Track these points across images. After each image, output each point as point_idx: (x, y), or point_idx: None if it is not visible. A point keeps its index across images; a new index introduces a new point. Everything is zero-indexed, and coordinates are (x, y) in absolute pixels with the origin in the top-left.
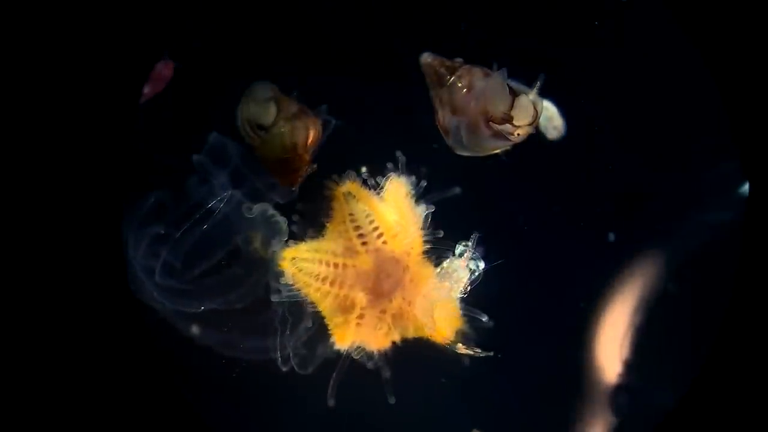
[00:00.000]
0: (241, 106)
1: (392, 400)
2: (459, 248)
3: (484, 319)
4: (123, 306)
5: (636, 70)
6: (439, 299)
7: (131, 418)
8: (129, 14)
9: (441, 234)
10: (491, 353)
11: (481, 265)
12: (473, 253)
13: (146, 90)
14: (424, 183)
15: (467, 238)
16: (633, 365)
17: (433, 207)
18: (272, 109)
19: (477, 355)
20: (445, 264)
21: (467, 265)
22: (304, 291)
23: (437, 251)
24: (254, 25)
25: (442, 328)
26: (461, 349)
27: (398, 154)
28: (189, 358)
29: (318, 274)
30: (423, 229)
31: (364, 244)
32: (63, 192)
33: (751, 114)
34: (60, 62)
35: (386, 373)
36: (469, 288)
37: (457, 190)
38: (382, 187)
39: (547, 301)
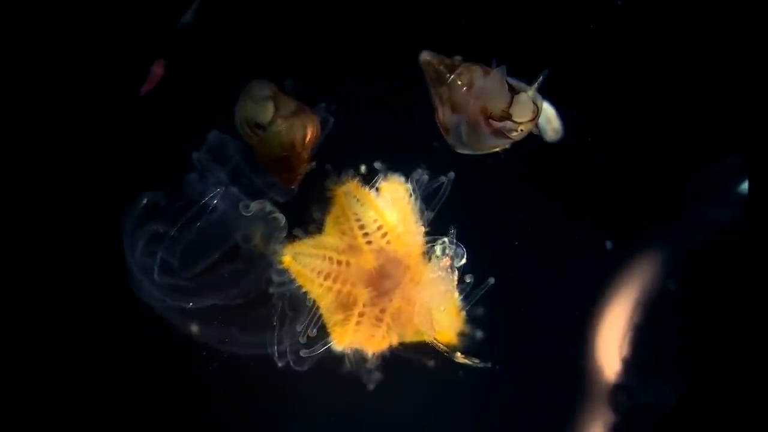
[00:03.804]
0: (239, 104)
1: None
2: (438, 248)
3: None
4: (121, 303)
5: (635, 71)
6: (436, 303)
7: (130, 415)
8: (124, 13)
9: (453, 230)
10: (489, 365)
11: (463, 259)
12: (453, 249)
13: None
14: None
15: (465, 238)
16: (633, 364)
17: (432, 213)
18: (270, 108)
19: (475, 365)
20: (431, 266)
21: (451, 262)
22: (305, 287)
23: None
24: (253, 24)
25: (443, 331)
26: (460, 358)
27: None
28: (187, 355)
29: (321, 270)
30: (423, 229)
31: (368, 243)
32: (61, 191)
33: (752, 112)
34: (56, 63)
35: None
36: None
37: (452, 174)
38: (382, 187)
39: (546, 300)
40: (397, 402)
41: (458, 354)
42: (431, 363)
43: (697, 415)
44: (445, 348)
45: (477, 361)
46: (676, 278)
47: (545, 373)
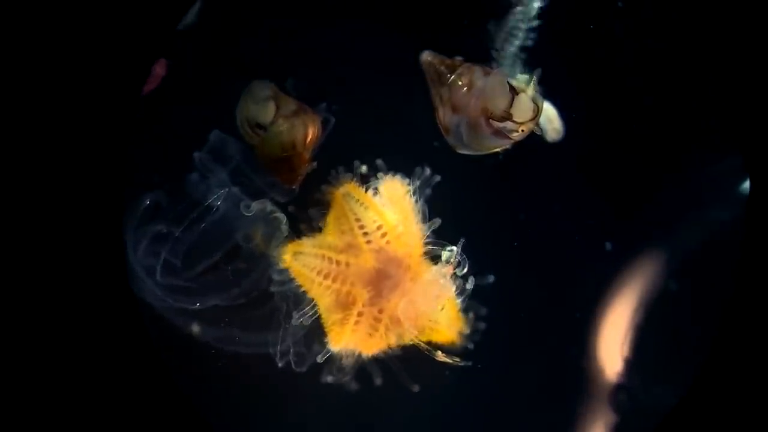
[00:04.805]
0: (240, 104)
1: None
2: (445, 254)
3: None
4: (121, 303)
5: (635, 71)
6: (425, 305)
7: (130, 415)
8: (126, 12)
9: (438, 222)
10: (470, 363)
11: (465, 269)
12: (459, 260)
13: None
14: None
15: (465, 237)
16: (634, 364)
17: (440, 220)
18: (271, 108)
19: (456, 364)
20: (433, 270)
21: (454, 272)
22: (304, 286)
23: (436, 252)
24: (254, 23)
25: (443, 331)
26: (441, 357)
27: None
28: (187, 355)
29: (320, 270)
30: (424, 229)
31: (368, 243)
32: (62, 191)
33: (753, 111)
34: (57, 63)
35: (379, 377)
36: (457, 291)
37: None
38: (381, 187)
39: (547, 299)
40: (396, 403)
41: (439, 353)
42: (416, 388)
43: (698, 416)
44: (426, 347)
45: (458, 359)
46: (677, 278)
47: (546, 374)
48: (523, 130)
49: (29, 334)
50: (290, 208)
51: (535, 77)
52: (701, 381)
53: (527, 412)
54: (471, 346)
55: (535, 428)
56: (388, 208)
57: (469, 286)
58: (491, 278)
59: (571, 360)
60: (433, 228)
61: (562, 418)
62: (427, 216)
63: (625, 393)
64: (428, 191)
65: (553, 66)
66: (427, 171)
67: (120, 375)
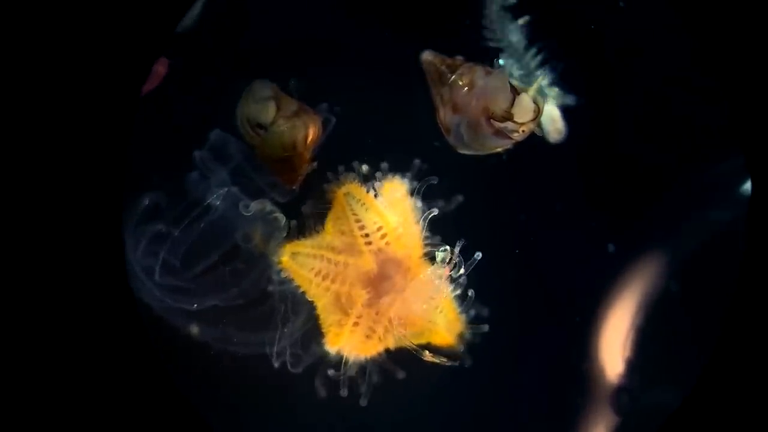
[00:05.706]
0: (241, 104)
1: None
2: (440, 255)
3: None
4: (121, 303)
5: (637, 71)
6: (418, 305)
7: (130, 415)
8: (127, 12)
9: (435, 212)
10: (457, 363)
11: (461, 270)
12: (455, 261)
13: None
14: (432, 180)
15: (466, 238)
16: (635, 365)
17: (436, 210)
18: (272, 108)
19: (444, 364)
20: (428, 271)
21: (449, 273)
22: (303, 287)
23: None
24: (256, 23)
25: (441, 333)
26: (429, 357)
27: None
28: (186, 355)
29: (319, 271)
30: (423, 230)
31: (368, 244)
32: (61, 191)
33: (755, 112)
34: (57, 63)
35: (377, 378)
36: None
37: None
38: (381, 187)
39: (549, 300)
40: (395, 404)
41: (427, 353)
42: (401, 375)
43: (701, 417)
44: (414, 347)
45: (445, 360)
46: (679, 279)
47: (547, 376)
48: (523, 131)
49: (29, 334)
50: (290, 209)
51: (539, 76)
52: (703, 382)
53: (528, 414)
54: (471, 347)
55: (537, 429)
56: (389, 209)
57: (464, 274)
58: (479, 255)
59: (574, 362)
60: (431, 216)
61: (565, 421)
62: (428, 217)
63: (626, 394)
64: (432, 201)
65: (554, 67)
66: (428, 180)
67: (119, 375)
